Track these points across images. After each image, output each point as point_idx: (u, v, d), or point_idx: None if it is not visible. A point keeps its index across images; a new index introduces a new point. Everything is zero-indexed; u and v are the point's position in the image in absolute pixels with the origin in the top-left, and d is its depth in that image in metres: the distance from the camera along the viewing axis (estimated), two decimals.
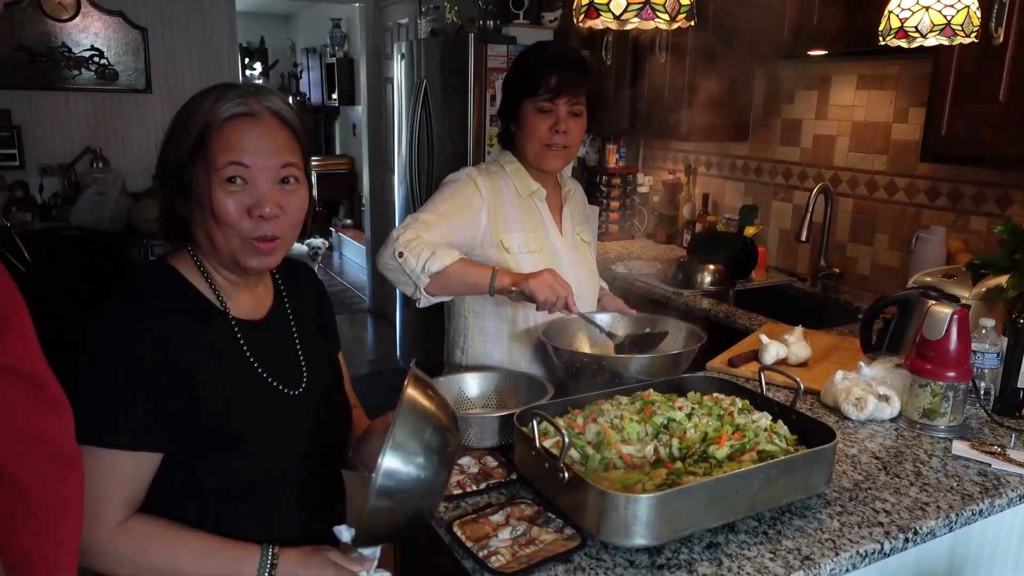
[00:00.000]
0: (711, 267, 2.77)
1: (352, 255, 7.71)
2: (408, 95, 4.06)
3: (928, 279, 2.06)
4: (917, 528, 1.19)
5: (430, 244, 1.59)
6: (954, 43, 1.52)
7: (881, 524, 1.20)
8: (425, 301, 1.64)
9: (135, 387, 0.99)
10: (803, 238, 2.58)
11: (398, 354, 4.70)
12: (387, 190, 5.56)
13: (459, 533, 1.12)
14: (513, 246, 1.76)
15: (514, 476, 1.31)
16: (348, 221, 7.94)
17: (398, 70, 4.18)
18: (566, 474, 1.13)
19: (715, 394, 1.43)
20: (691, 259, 2.85)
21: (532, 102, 1.71)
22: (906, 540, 1.18)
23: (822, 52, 2.57)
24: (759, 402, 1.42)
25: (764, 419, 1.33)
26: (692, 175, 3.51)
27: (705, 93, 3.00)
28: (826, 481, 1.25)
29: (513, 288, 1.57)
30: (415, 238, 1.60)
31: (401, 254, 1.58)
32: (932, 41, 1.53)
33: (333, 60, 7.72)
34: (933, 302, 1.66)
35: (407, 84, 4.06)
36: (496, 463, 1.36)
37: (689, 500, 1.09)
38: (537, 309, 1.58)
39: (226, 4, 4.88)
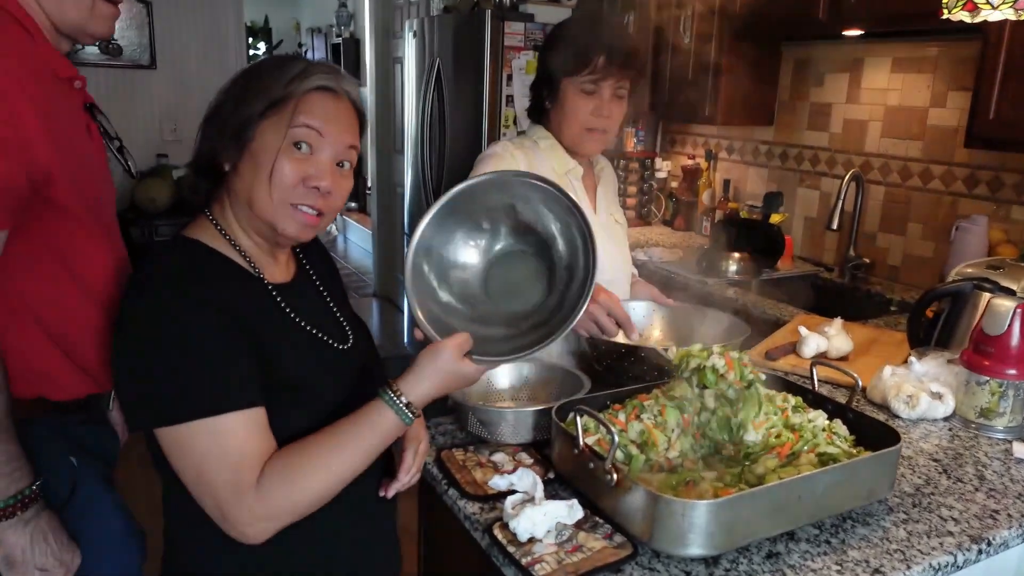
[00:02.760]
0: (736, 255, 2.67)
1: (357, 239, 7.61)
2: (419, 75, 3.94)
3: (970, 271, 1.96)
4: (990, 538, 1.10)
5: None
6: (1021, 18, 1.42)
7: (951, 534, 1.11)
8: None
9: (221, 350, 0.95)
10: (834, 226, 2.48)
11: (405, 340, 4.61)
12: (395, 173, 5.45)
13: (499, 536, 1.04)
14: None
15: (552, 475, 1.22)
16: (352, 205, 7.82)
17: (408, 49, 4.06)
18: (614, 476, 1.04)
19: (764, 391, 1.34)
20: (714, 247, 2.75)
21: (574, 82, 1.59)
22: (979, 551, 1.09)
23: (858, 32, 2.47)
24: (810, 399, 1.33)
25: (821, 418, 1.24)
26: (713, 160, 3.40)
27: (730, 75, 2.89)
28: (890, 487, 1.16)
29: None
30: None
31: None
32: (998, 15, 1.43)
33: (339, 40, 7.59)
34: (990, 295, 1.56)
35: (418, 63, 3.95)
36: (532, 460, 1.27)
37: (751, 507, 1.00)
38: (607, 335, 1.45)
39: None
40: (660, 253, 2.94)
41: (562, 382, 1.46)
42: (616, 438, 1.04)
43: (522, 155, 1.64)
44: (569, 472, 1.19)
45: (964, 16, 1.45)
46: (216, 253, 1.04)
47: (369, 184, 6.03)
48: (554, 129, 1.68)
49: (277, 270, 1.11)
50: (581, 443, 1.12)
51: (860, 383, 1.28)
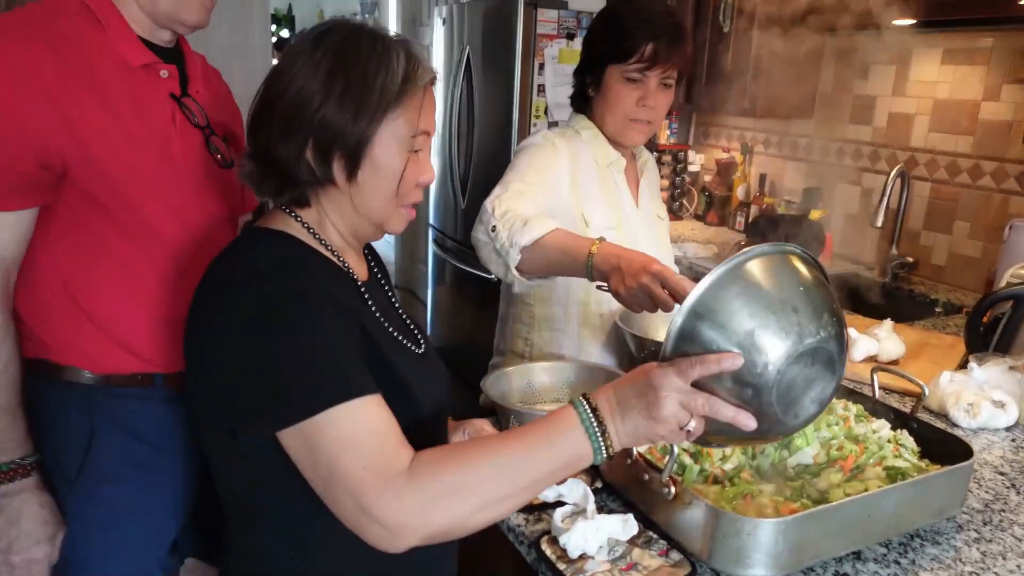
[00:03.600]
0: None
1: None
2: (448, 64, 3.88)
3: None
4: None
5: (524, 214, 1.36)
6: None
7: None
8: (519, 285, 1.37)
9: (341, 338, 0.88)
10: (878, 224, 2.40)
11: (428, 332, 4.57)
12: None
13: (548, 552, 0.98)
14: (594, 220, 1.59)
15: (599, 484, 1.16)
16: None
17: (437, 37, 4.00)
18: (672, 489, 0.98)
19: None
20: (751, 242, 2.67)
21: (620, 69, 1.53)
22: None
23: (908, 22, 2.37)
24: (871, 407, 1.27)
25: (885, 428, 1.17)
26: (748, 154, 3.31)
27: (770, 65, 2.80)
28: (960, 503, 1.10)
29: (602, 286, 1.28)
30: (511, 208, 1.38)
31: (495, 228, 1.36)
32: None
33: None
34: None
35: (447, 52, 3.88)
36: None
37: (819, 525, 0.94)
38: (663, 309, 1.22)
39: None
40: (694, 249, 2.87)
41: (606, 384, 1.40)
42: (676, 449, 0.98)
43: (565, 145, 1.58)
44: (620, 483, 1.13)
45: None
46: (307, 246, 0.98)
47: None
48: (597, 118, 1.62)
49: (358, 267, 1.06)
50: (635, 452, 1.06)
51: (927, 390, 1.21)
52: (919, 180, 2.61)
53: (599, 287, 1.27)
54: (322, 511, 0.83)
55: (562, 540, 0.97)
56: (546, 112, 3.32)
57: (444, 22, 3.87)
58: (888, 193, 2.39)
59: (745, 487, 1.08)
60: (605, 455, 0.83)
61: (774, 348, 0.81)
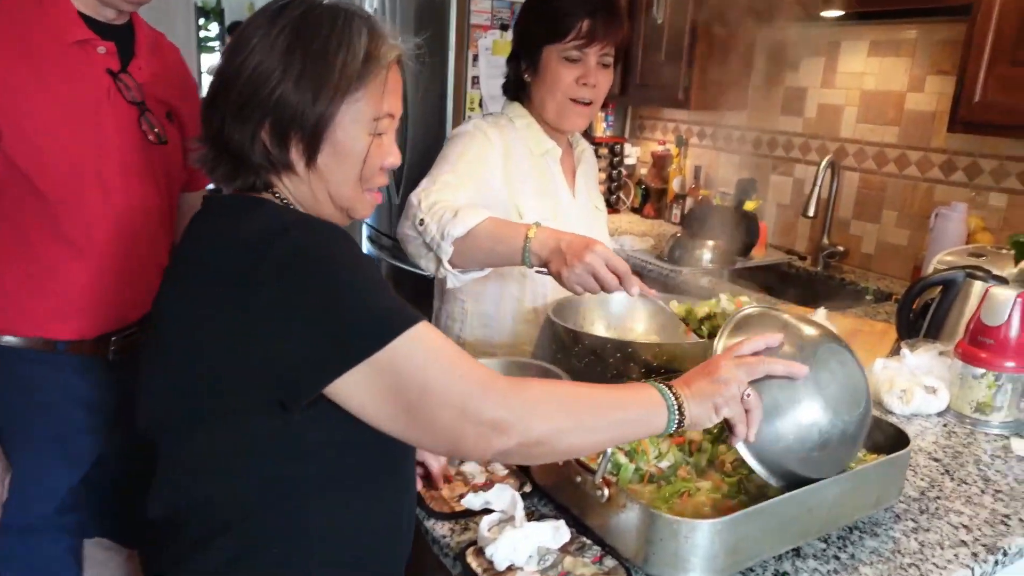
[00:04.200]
0: (710, 243, 2.59)
1: None
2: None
3: (951, 259, 1.90)
4: (1006, 547, 1.02)
5: (454, 205, 1.30)
6: None
7: (965, 543, 1.02)
8: (452, 280, 1.33)
9: (381, 275, 0.90)
10: (810, 213, 2.41)
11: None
12: None
13: (474, 564, 0.92)
14: (529, 212, 1.53)
15: (529, 488, 1.10)
16: None
17: None
18: (607, 491, 0.93)
19: None
20: (687, 235, 2.66)
21: (557, 49, 1.47)
22: (996, 562, 1.01)
23: (837, 13, 2.39)
24: None
25: None
26: (683, 146, 3.31)
27: (704, 58, 2.80)
28: (898, 493, 1.08)
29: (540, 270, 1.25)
30: (439, 200, 1.32)
31: (423, 221, 1.30)
32: None
33: None
34: (986, 284, 1.49)
35: None
36: (506, 470, 1.15)
37: (758, 524, 0.90)
38: (605, 289, 1.21)
39: None
40: (630, 241, 2.84)
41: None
42: (609, 450, 0.92)
43: (497, 134, 1.52)
44: (551, 485, 1.07)
45: None
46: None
47: None
48: (535, 104, 1.56)
49: None
50: None
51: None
52: (848, 170, 2.64)
53: (538, 271, 1.25)
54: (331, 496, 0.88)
55: (488, 551, 0.90)
56: (480, 104, 3.25)
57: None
58: (819, 183, 2.41)
59: (682, 485, 1.04)
60: (679, 418, 0.88)
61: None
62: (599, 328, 1.54)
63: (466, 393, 0.80)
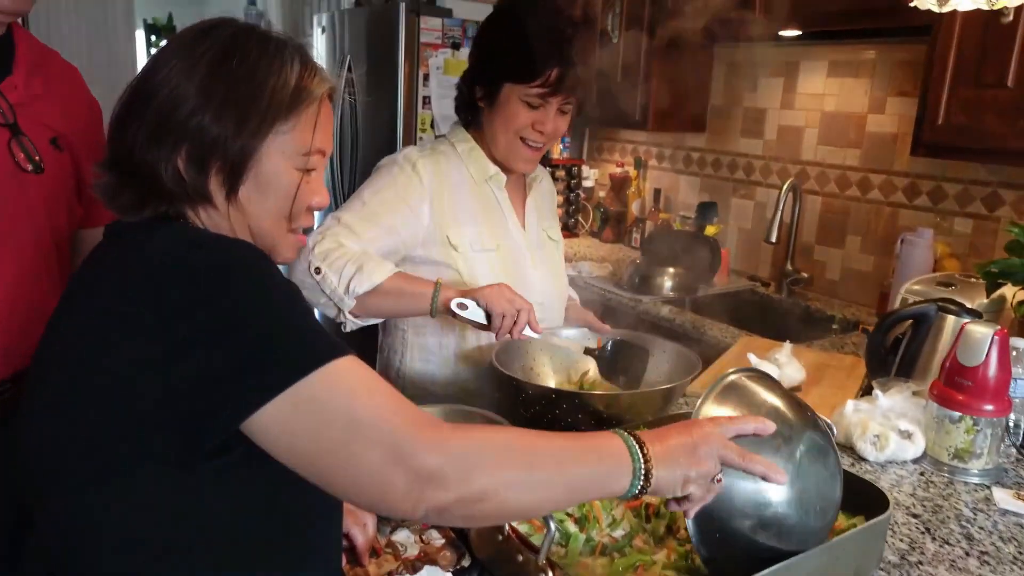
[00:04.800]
0: (671, 270, 2.49)
1: None
2: (330, 74, 3.63)
3: (919, 287, 1.83)
4: None
5: (355, 256, 1.26)
6: (995, 7, 1.26)
7: None
8: (351, 325, 1.31)
9: (309, 310, 0.79)
10: (772, 239, 2.33)
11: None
12: None
13: None
14: (463, 242, 1.43)
15: (467, 563, 0.96)
16: None
17: (318, 45, 3.75)
18: (550, 574, 0.80)
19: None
20: (647, 261, 2.56)
21: (519, 90, 1.37)
22: None
23: (795, 32, 2.33)
24: None
25: None
26: (642, 168, 3.23)
27: (660, 78, 2.72)
28: (877, 562, 0.97)
29: (461, 303, 1.24)
30: (335, 247, 1.27)
31: (318, 269, 1.24)
32: (968, 4, 1.27)
33: None
34: (959, 319, 1.40)
35: (328, 61, 3.64)
36: (443, 541, 1.01)
37: None
38: (492, 330, 1.25)
39: None
40: (589, 267, 2.73)
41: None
42: (553, 527, 0.80)
43: (428, 165, 1.42)
44: (490, 560, 0.94)
45: (932, 5, 1.28)
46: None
47: None
48: (486, 134, 1.45)
49: None
50: (507, 527, 0.87)
51: (835, 431, 1.08)
52: (810, 194, 2.58)
53: (459, 305, 1.24)
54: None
55: None
56: (432, 125, 3.13)
57: (324, 30, 3.63)
58: (781, 208, 2.33)
59: (638, 557, 0.92)
60: (642, 483, 0.76)
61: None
62: (547, 372, 1.42)
63: (398, 433, 0.68)
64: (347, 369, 0.71)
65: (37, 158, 1.19)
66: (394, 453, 0.68)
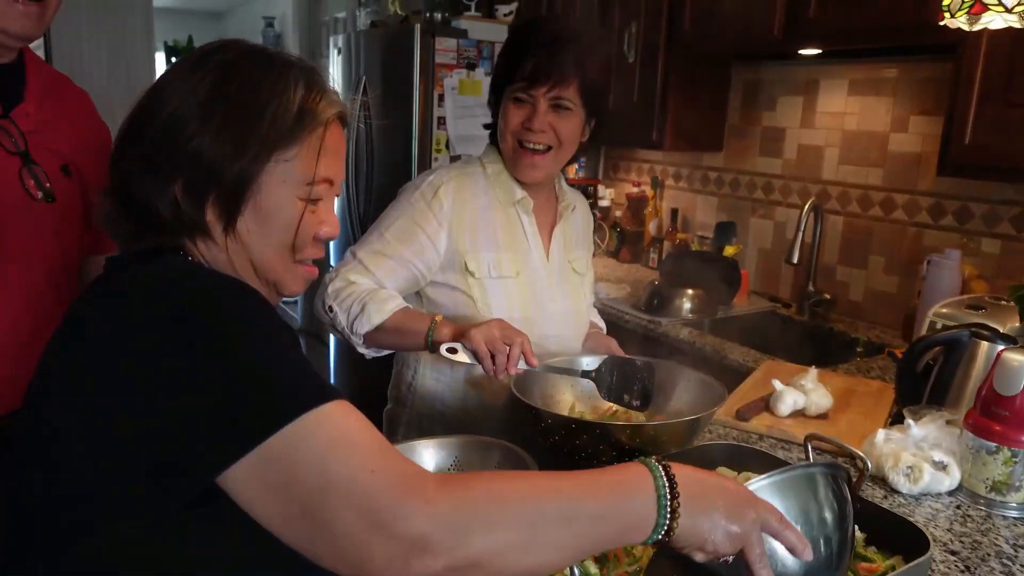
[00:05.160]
0: (690, 292, 2.45)
1: None
2: (345, 95, 3.64)
3: (948, 311, 1.78)
4: None
5: (361, 295, 1.28)
6: None
7: None
8: (372, 354, 1.36)
9: (292, 341, 0.74)
10: (794, 260, 2.28)
11: (332, 381, 4.25)
12: None
13: None
14: (481, 268, 1.40)
15: None
16: None
17: (334, 67, 3.76)
18: None
19: (749, 474, 1.09)
20: (665, 283, 2.52)
21: (510, 90, 1.37)
22: None
23: (815, 51, 2.30)
24: None
25: None
26: (659, 188, 3.20)
27: (677, 97, 2.69)
28: None
29: (451, 347, 1.23)
30: (345, 286, 1.30)
31: (331, 308, 1.29)
32: (1000, 23, 1.23)
33: None
34: (995, 345, 1.36)
35: (344, 83, 3.65)
36: None
37: None
38: (485, 371, 1.22)
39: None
40: (606, 289, 2.69)
41: (500, 463, 1.17)
42: (576, 573, 0.75)
43: (452, 188, 1.40)
44: None
45: (962, 23, 1.25)
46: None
47: None
48: (501, 147, 1.44)
49: None
50: None
51: (869, 465, 1.03)
52: (832, 214, 2.53)
53: (448, 350, 1.23)
54: None
55: None
56: (447, 146, 3.12)
57: (339, 51, 3.64)
58: (802, 228, 2.28)
59: None
60: (663, 536, 0.68)
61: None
62: (567, 399, 1.38)
63: (377, 494, 0.62)
64: (324, 421, 0.65)
65: (48, 186, 1.18)
66: (372, 518, 0.61)
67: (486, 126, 1.51)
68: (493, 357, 1.18)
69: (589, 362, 1.38)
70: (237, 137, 0.76)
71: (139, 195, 0.77)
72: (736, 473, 1.07)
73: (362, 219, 3.48)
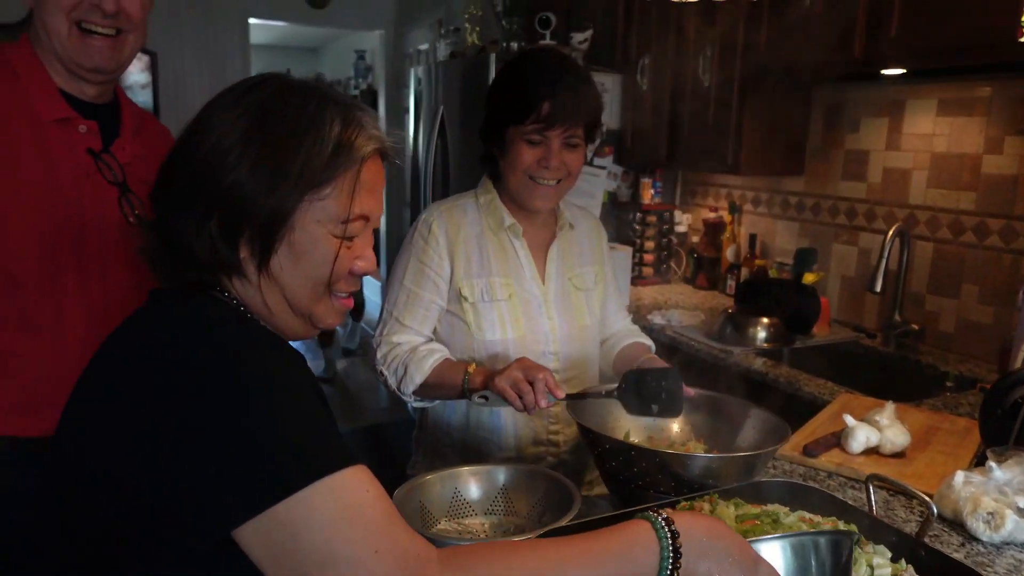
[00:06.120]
0: (765, 320, 2.37)
1: (371, 294, 7.41)
2: (425, 122, 3.75)
3: None
4: None
5: (404, 356, 1.41)
6: None
7: None
8: (423, 405, 1.50)
9: (314, 398, 0.74)
10: (877, 288, 2.18)
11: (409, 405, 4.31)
12: (404, 226, 5.25)
13: None
14: (474, 294, 1.46)
15: None
16: None
17: (415, 96, 3.88)
18: None
19: (806, 514, 1.03)
20: (740, 310, 2.45)
21: (520, 131, 1.39)
22: None
23: (898, 71, 2.20)
24: (866, 526, 1.02)
25: (885, 561, 0.92)
26: (737, 213, 3.12)
27: (755, 120, 2.63)
28: None
29: (482, 396, 1.28)
30: (390, 350, 1.44)
31: (382, 372, 1.44)
32: None
33: (356, 92, 7.52)
34: None
35: (424, 111, 3.76)
36: None
37: None
38: (517, 410, 1.25)
39: (239, 33, 4.67)
40: (679, 316, 2.64)
41: (547, 494, 1.16)
42: None
43: (443, 221, 1.48)
44: None
45: None
46: (243, 312, 0.83)
47: (381, 237, 5.85)
48: (504, 180, 1.48)
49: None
50: None
51: (935, 510, 0.96)
52: (920, 239, 2.40)
53: (478, 400, 1.29)
54: None
55: None
56: None
57: (419, 81, 3.75)
58: (887, 254, 2.18)
59: None
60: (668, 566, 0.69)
61: None
62: (620, 423, 1.36)
63: (383, 558, 0.62)
64: (338, 490, 0.65)
65: (140, 213, 1.28)
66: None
67: (482, 158, 1.53)
68: (522, 396, 1.21)
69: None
70: (272, 175, 0.76)
71: (176, 231, 0.78)
72: (787, 511, 1.02)
73: None
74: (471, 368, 1.33)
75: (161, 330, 0.74)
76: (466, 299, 1.45)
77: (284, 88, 0.80)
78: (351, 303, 0.87)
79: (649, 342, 1.66)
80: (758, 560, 0.72)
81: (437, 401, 1.48)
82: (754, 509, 1.01)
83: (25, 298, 1.19)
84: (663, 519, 0.71)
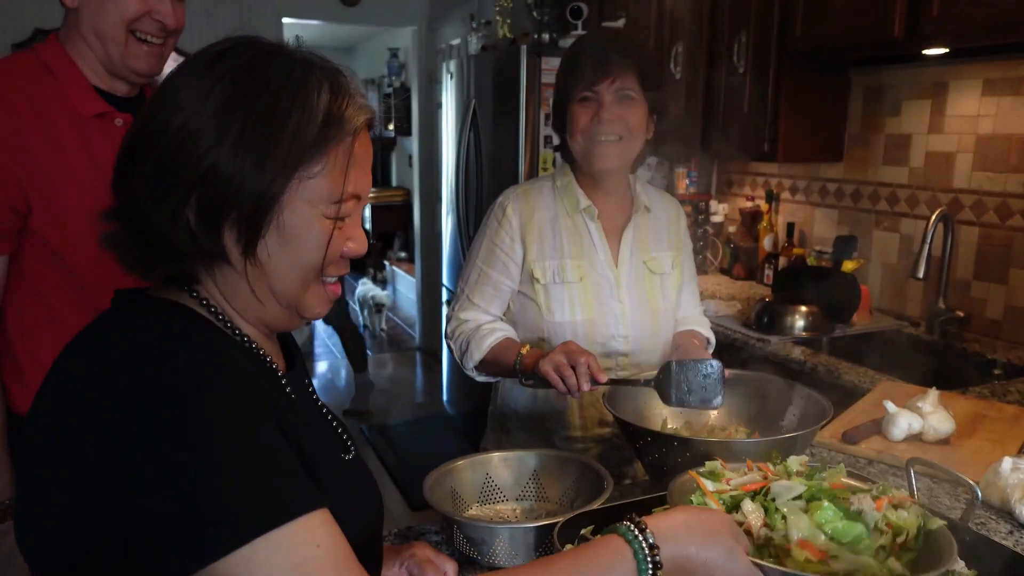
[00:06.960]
0: (803, 309, 2.32)
1: (405, 290, 7.46)
2: (457, 116, 3.76)
3: None
4: None
5: (468, 332, 1.47)
6: None
7: None
8: (485, 380, 1.53)
9: (272, 436, 0.67)
10: (920, 274, 2.12)
11: (444, 398, 4.34)
12: (438, 221, 5.27)
13: None
14: (546, 275, 1.47)
15: None
16: (403, 254, 7.70)
17: (446, 92, 3.89)
18: None
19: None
20: (777, 299, 2.40)
21: (575, 97, 1.43)
22: None
23: (941, 51, 2.14)
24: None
25: None
26: (774, 201, 3.07)
27: (791, 106, 2.58)
28: None
29: (529, 381, 1.32)
30: (458, 325, 1.50)
31: (449, 346, 1.52)
32: None
33: (390, 90, 7.58)
34: None
35: (456, 105, 3.77)
36: None
37: None
38: (560, 393, 1.26)
39: (273, 33, 4.73)
40: (716, 306, 2.60)
41: (579, 479, 1.16)
42: None
43: (519, 203, 1.50)
44: None
45: None
46: (217, 329, 0.75)
47: (416, 232, 5.88)
48: (573, 158, 1.50)
49: (277, 357, 0.82)
50: None
51: (980, 493, 0.93)
52: (965, 224, 2.33)
53: (525, 383, 1.36)
54: None
55: None
56: (555, 164, 3.14)
57: (451, 76, 3.76)
58: (930, 239, 2.12)
59: None
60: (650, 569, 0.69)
61: None
62: (657, 412, 1.34)
63: None
64: (285, 544, 0.60)
65: None
66: None
67: (555, 148, 1.58)
68: (565, 379, 1.22)
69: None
70: (257, 153, 0.68)
71: (148, 219, 0.70)
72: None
73: (472, 233, 3.56)
74: (524, 350, 1.35)
75: (114, 354, 0.66)
76: (537, 280, 1.47)
77: (261, 53, 0.71)
78: (339, 290, 0.80)
79: (708, 334, 1.65)
80: (738, 534, 0.74)
81: (500, 377, 1.52)
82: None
83: (84, 287, 1.26)
84: (639, 530, 0.70)
